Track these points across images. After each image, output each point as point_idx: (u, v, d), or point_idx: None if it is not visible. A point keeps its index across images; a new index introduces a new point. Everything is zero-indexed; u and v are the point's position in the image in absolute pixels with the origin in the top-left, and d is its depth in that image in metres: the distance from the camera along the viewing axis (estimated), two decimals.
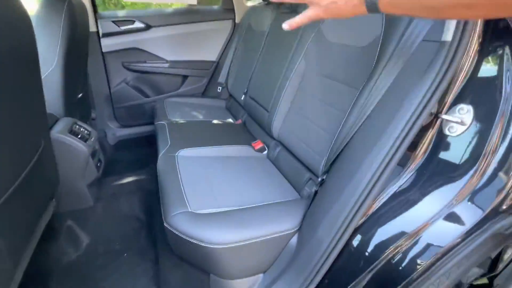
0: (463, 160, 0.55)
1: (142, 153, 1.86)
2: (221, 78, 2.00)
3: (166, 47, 1.86)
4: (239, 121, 1.59)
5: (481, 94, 0.55)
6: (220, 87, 1.98)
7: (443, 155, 0.58)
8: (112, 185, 1.52)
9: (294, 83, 1.11)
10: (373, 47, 0.77)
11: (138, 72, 1.86)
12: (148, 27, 1.76)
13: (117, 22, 1.68)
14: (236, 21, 1.93)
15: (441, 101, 0.58)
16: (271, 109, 1.23)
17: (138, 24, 1.72)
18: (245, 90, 1.57)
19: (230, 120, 1.67)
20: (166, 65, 1.89)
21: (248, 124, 1.53)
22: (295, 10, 1.27)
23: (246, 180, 0.98)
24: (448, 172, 0.56)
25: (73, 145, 1.06)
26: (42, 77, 1.10)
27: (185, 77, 1.99)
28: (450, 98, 0.58)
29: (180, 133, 1.31)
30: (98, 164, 1.34)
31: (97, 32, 1.64)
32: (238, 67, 1.80)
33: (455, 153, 0.56)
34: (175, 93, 1.98)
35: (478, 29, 0.53)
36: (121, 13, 1.72)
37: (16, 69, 0.62)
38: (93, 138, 1.20)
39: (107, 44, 1.70)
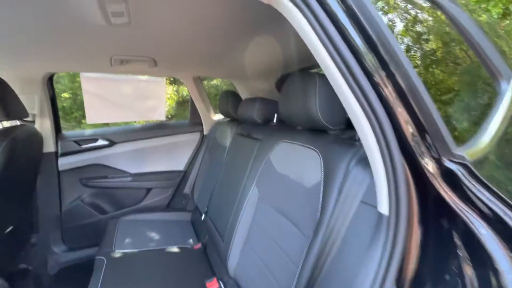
0: None
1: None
2: (187, 189, 1.90)
3: (130, 161, 1.81)
4: (198, 245, 1.39)
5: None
6: (185, 200, 1.85)
7: None
8: None
9: (248, 212, 1.00)
10: (315, 191, 0.69)
11: (97, 188, 1.74)
12: (112, 143, 1.74)
13: (79, 141, 1.66)
14: (204, 132, 1.98)
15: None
16: (226, 239, 1.07)
17: (101, 142, 1.71)
18: (206, 209, 1.43)
19: (191, 241, 1.46)
20: (129, 178, 1.80)
21: (209, 249, 1.33)
22: (249, 135, 1.28)
23: None
24: None
25: None
26: None
27: (149, 189, 1.87)
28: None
29: (119, 274, 1.08)
30: None
31: (56, 152, 1.59)
32: (204, 178, 1.72)
33: None
34: (136, 207, 1.82)
35: (413, 202, 0.44)
36: (86, 132, 1.73)
37: None
38: None
39: (65, 162, 1.63)
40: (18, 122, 1.38)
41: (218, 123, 1.79)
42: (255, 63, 1.48)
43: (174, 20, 0.94)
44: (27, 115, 1.27)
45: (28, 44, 1.12)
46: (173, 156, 1.92)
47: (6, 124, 1.31)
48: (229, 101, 1.56)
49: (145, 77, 1.78)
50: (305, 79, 0.75)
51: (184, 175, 1.94)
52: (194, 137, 1.99)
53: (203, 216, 1.44)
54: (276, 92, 1.84)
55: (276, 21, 0.88)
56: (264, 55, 1.35)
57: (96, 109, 1.68)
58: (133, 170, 1.82)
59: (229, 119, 1.70)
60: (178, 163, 1.94)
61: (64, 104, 5.26)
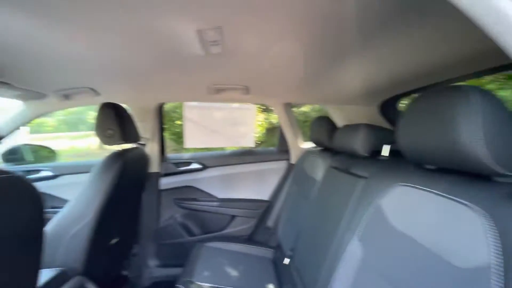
0: None
1: None
2: (271, 222, 1.75)
3: (219, 186, 1.84)
4: None
5: None
6: (268, 234, 1.70)
7: None
8: None
9: (346, 274, 0.74)
10: (481, 280, 0.40)
11: (188, 209, 1.83)
12: (204, 167, 1.82)
13: (177, 164, 1.80)
14: (292, 161, 1.84)
15: None
16: None
17: (195, 165, 1.81)
18: (291, 253, 1.23)
19: (271, 287, 1.27)
20: (216, 203, 1.82)
21: None
22: (347, 170, 1.03)
23: None
24: None
25: None
26: (72, 231, 1.11)
27: (233, 216, 1.83)
28: None
29: None
30: None
31: (158, 173, 1.77)
32: (289, 213, 1.54)
33: None
34: (220, 234, 1.80)
35: None
36: (183, 156, 1.88)
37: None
38: None
39: (165, 182, 1.78)
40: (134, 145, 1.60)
41: (308, 152, 1.61)
42: (355, 85, 1.26)
43: (267, 45, 0.88)
44: (139, 139, 1.45)
45: (145, 79, 1.30)
46: (259, 184, 1.85)
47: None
48: (322, 128, 1.37)
49: (237, 105, 1.84)
50: (453, 97, 0.50)
51: (268, 206, 1.82)
52: (281, 166, 1.87)
53: (287, 260, 1.24)
54: (380, 118, 1.53)
55: (385, 30, 0.69)
56: (367, 75, 1.12)
57: (193, 134, 1.81)
58: (220, 195, 1.84)
59: (321, 148, 1.50)
60: (263, 192, 1.85)
61: (177, 130, 6.25)
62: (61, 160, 1.98)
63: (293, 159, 1.83)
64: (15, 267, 0.64)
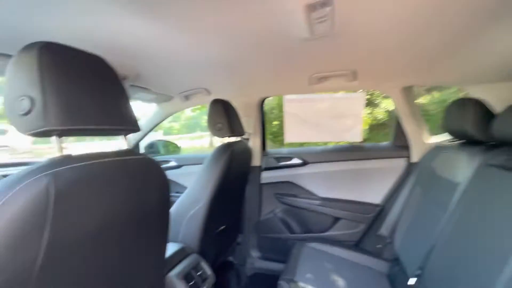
0: None
1: None
2: (384, 230, 1.48)
3: (320, 183, 1.71)
4: None
5: None
6: (382, 244, 1.44)
7: None
8: None
9: None
10: None
11: (288, 205, 1.78)
12: (305, 163, 1.73)
13: (278, 158, 1.79)
14: (412, 160, 1.49)
15: None
16: None
17: (296, 160, 1.74)
18: (418, 271, 0.97)
19: None
20: (317, 202, 1.69)
21: None
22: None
23: None
24: None
25: None
26: (190, 213, 1.24)
27: (337, 219, 1.66)
28: None
29: None
30: None
31: (260, 166, 1.80)
32: (413, 222, 1.25)
33: None
34: (322, 235, 1.66)
35: None
36: (283, 151, 1.84)
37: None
38: (206, 286, 1.09)
39: (265, 176, 1.80)
40: (238, 139, 1.68)
41: (439, 147, 1.26)
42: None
43: (386, 18, 0.72)
44: (244, 133, 1.51)
45: (248, 74, 1.36)
46: (368, 185, 1.60)
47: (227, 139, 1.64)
48: (468, 114, 1.01)
49: (342, 95, 1.65)
50: None
51: (381, 211, 1.55)
52: (397, 164, 1.55)
53: (413, 280, 0.98)
54: None
55: None
56: None
57: (294, 129, 1.75)
58: (322, 193, 1.70)
59: (462, 141, 1.14)
60: (374, 195, 1.59)
61: (274, 129, 6.49)
62: (183, 154, 2.34)
63: (415, 156, 1.49)
64: (152, 237, 0.74)
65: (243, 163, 1.50)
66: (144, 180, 0.66)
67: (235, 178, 1.41)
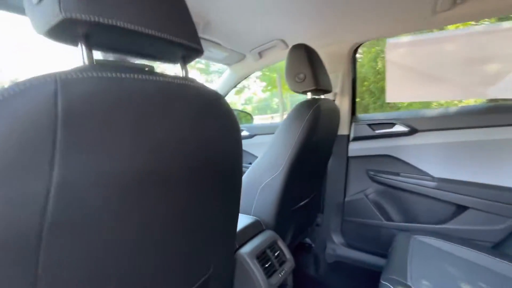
0: None
1: None
2: None
3: (437, 159, 1.25)
4: None
5: None
6: None
7: None
8: None
9: None
10: None
11: (385, 185, 1.40)
12: (412, 131, 1.29)
13: (372, 126, 1.39)
14: None
15: None
16: None
17: (399, 128, 1.32)
18: None
19: None
20: (431, 183, 1.25)
21: None
22: None
23: None
24: None
25: (251, 276, 0.80)
26: (265, 182, 1.03)
27: (462, 208, 1.19)
28: None
29: None
30: None
31: (348, 135, 1.45)
32: None
33: None
34: (436, 227, 1.23)
35: None
36: (381, 116, 1.43)
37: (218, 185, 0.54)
38: (283, 272, 0.87)
39: (354, 148, 1.44)
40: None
41: None
42: None
43: None
44: (331, 89, 1.18)
45: (337, 14, 1.11)
46: None
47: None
48: None
49: (486, 26, 1.09)
50: None
51: None
52: None
53: None
54: None
55: None
56: None
57: (400, 84, 1.30)
58: (438, 173, 1.25)
59: None
60: None
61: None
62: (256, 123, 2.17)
63: None
64: (220, 198, 0.55)
65: (331, 126, 1.19)
66: (210, 117, 0.46)
67: (320, 144, 1.12)
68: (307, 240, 1.69)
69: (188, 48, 0.43)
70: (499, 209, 1.11)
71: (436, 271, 0.90)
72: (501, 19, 1.13)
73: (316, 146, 1.09)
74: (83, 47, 0.36)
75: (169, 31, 0.40)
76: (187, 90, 0.43)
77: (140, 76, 0.36)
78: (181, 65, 0.47)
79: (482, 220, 1.14)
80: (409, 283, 0.83)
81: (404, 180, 1.32)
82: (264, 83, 5.63)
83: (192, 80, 0.46)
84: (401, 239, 1.09)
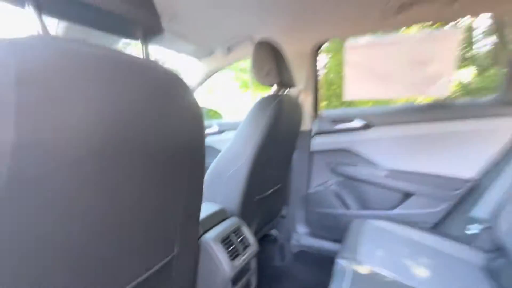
0: None
1: (317, 279, 1.36)
2: (480, 211, 1.12)
3: (388, 152, 1.38)
4: None
5: None
6: (476, 229, 1.09)
7: None
8: None
9: None
10: None
11: (344, 176, 1.51)
12: (368, 126, 1.41)
13: (333, 121, 1.50)
14: None
15: None
16: None
17: (357, 123, 1.43)
18: None
19: None
20: (382, 173, 1.38)
21: None
22: None
23: None
24: None
25: (215, 259, 0.82)
26: (230, 172, 1.06)
27: (408, 194, 1.33)
28: None
29: None
30: None
31: (310, 131, 1.54)
32: None
33: None
34: (386, 213, 1.36)
35: None
36: (340, 112, 1.54)
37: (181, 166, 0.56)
38: (246, 255, 0.91)
39: (317, 142, 1.54)
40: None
41: None
42: None
43: None
44: (294, 85, 1.25)
45: (302, 13, 1.16)
46: (457, 154, 1.23)
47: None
48: None
49: (427, 32, 1.24)
50: None
51: (474, 187, 1.18)
52: (505, 126, 1.14)
53: None
54: None
55: None
56: None
57: (356, 82, 1.42)
58: (389, 164, 1.38)
59: None
60: (465, 167, 1.21)
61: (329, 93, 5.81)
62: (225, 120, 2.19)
63: None
64: (181, 182, 0.57)
65: (293, 120, 1.26)
66: (168, 96, 0.48)
67: (282, 136, 1.18)
68: (273, 232, 1.75)
69: (148, 26, 0.45)
70: (436, 194, 1.27)
71: (383, 249, 1.01)
72: (442, 25, 1.30)
73: (279, 138, 1.14)
74: (31, 7, 0.36)
75: (122, 8, 0.41)
76: (145, 67, 0.44)
77: (95, 50, 0.37)
78: (141, 42, 0.49)
79: (424, 204, 1.28)
80: (358, 259, 0.91)
81: (360, 171, 1.44)
82: (237, 83, 5.67)
83: (152, 61, 0.47)
84: (356, 224, 1.20)
